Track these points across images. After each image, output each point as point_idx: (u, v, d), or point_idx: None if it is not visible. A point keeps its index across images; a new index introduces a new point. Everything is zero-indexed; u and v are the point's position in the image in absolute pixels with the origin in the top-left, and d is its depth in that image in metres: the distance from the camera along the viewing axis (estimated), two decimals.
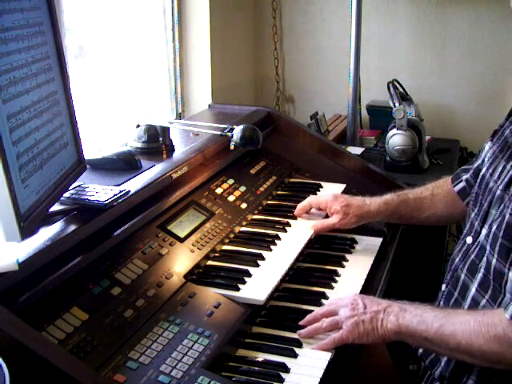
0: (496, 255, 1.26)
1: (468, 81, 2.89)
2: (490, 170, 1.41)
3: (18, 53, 1.10)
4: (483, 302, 1.29)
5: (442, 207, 1.71)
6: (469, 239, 1.41)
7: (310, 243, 1.78)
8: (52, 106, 1.24)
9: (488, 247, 1.30)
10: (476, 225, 1.40)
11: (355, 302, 1.32)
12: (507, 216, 1.25)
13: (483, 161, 1.54)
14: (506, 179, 1.32)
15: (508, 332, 1.15)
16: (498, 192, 1.33)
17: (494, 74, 2.82)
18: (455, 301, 1.38)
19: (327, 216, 1.78)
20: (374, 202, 1.73)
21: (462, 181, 1.67)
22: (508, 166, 1.34)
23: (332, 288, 1.55)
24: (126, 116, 2.27)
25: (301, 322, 1.35)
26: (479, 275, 1.32)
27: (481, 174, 1.46)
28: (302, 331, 1.33)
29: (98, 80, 2.15)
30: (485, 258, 1.31)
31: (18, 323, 0.96)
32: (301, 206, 1.81)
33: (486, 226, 1.35)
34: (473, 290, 1.33)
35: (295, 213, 1.81)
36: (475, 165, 1.61)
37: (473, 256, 1.36)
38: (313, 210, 1.82)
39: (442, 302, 1.44)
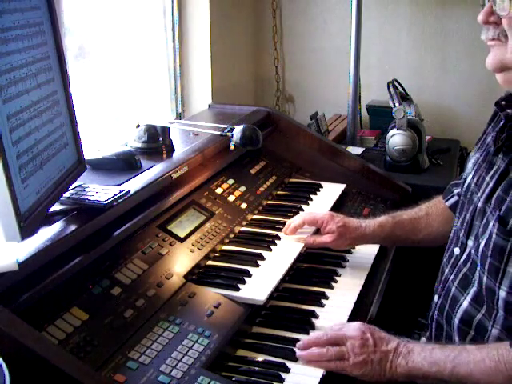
0: (486, 273, 1.24)
1: (468, 81, 2.89)
2: (475, 180, 1.39)
3: (18, 53, 1.10)
4: (479, 316, 1.27)
5: (437, 226, 1.67)
6: (456, 250, 1.39)
7: None
8: (52, 106, 1.24)
9: (479, 263, 1.28)
10: (461, 236, 1.38)
11: (365, 337, 1.26)
12: (494, 236, 1.23)
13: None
14: (487, 191, 1.30)
15: None
16: (480, 205, 1.31)
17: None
18: (446, 313, 1.37)
19: (317, 231, 1.71)
20: (369, 225, 1.67)
21: (454, 195, 1.64)
22: (487, 178, 1.32)
23: (332, 288, 1.55)
24: (126, 116, 2.27)
25: (300, 344, 1.29)
26: (473, 289, 1.30)
27: (466, 182, 1.45)
28: (302, 353, 1.27)
29: (97, 80, 2.14)
30: (477, 273, 1.29)
31: (18, 323, 0.96)
32: (294, 224, 1.70)
33: (472, 238, 1.33)
34: (465, 303, 1.31)
35: (287, 231, 1.70)
36: (464, 176, 1.57)
37: (465, 269, 1.34)
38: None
39: (435, 314, 1.43)
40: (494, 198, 1.26)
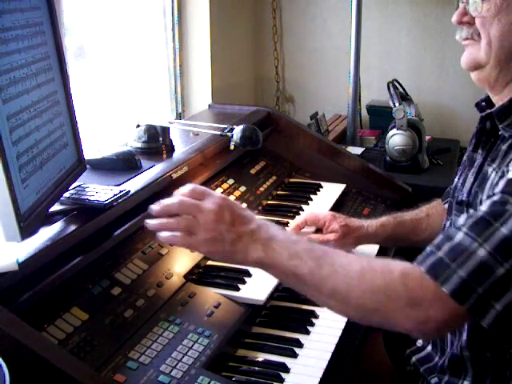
0: None
1: (468, 81, 2.85)
2: (461, 180, 1.38)
3: (17, 53, 1.10)
4: None
5: (437, 228, 1.67)
6: None
7: None
8: (52, 106, 1.24)
9: None
10: None
11: (221, 213, 1.12)
12: (453, 216, 1.24)
13: None
14: (467, 188, 1.29)
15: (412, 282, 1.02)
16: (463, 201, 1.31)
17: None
18: None
19: (317, 231, 1.70)
20: (371, 225, 1.66)
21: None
22: (469, 175, 1.31)
23: None
24: (126, 116, 2.27)
25: (152, 207, 1.16)
26: None
27: (454, 183, 1.45)
28: (151, 222, 1.16)
29: (97, 80, 2.14)
30: None
31: (17, 323, 0.96)
32: (296, 223, 1.70)
33: None
34: None
35: (289, 231, 1.66)
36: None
37: None
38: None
39: None
40: (472, 193, 1.26)
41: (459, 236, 1.02)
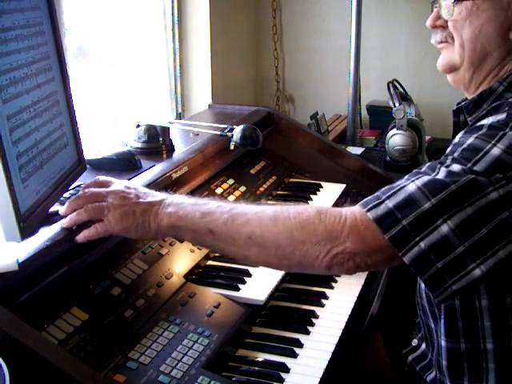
0: None
1: None
2: None
3: (17, 53, 1.10)
4: None
5: None
6: None
7: None
8: (52, 106, 1.24)
9: None
10: None
11: (127, 191, 1.16)
12: None
13: None
14: None
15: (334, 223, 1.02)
16: None
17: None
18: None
19: None
20: None
21: None
22: None
23: (332, 288, 1.55)
24: (126, 116, 2.27)
25: (62, 211, 1.20)
26: None
27: None
28: (63, 221, 1.19)
29: (97, 80, 2.15)
30: None
31: (17, 323, 0.96)
32: None
33: None
34: None
35: None
36: None
37: None
38: None
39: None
40: None
41: (397, 182, 1.06)
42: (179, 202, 1.14)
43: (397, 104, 2.34)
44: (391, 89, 2.40)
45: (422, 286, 1.28)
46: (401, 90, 2.60)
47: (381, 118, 2.86)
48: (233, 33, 2.88)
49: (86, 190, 1.20)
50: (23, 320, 0.97)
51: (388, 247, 1.01)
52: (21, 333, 0.94)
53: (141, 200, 1.15)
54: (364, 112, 2.99)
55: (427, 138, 2.59)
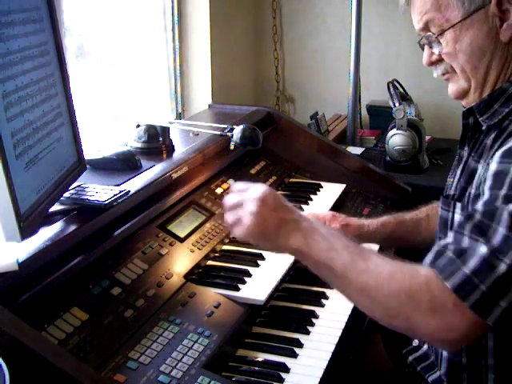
0: None
1: None
2: (452, 177, 1.39)
3: (18, 52, 1.10)
4: None
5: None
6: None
7: None
8: (52, 106, 1.24)
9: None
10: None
11: (265, 198, 1.16)
12: (440, 210, 1.27)
13: None
14: (455, 184, 1.32)
15: (430, 290, 1.02)
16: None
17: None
18: None
19: None
20: (371, 224, 1.67)
21: None
22: (458, 171, 1.33)
23: (332, 288, 1.55)
24: (126, 116, 2.27)
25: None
26: None
27: (447, 182, 1.45)
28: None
29: (97, 80, 2.14)
30: None
31: (18, 323, 0.96)
32: None
33: None
34: None
35: None
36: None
37: None
38: None
39: None
40: (458, 188, 1.28)
41: (466, 242, 1.03)
42: (311, 227, 1.16)
43: (397, 104, 2.34)
44: (391, 89, 2.40)
45: None
46: (401, 90, 2.59)
47: (381, 118, 2.85)
48: (233, 33, 2.88)
49: (229, 196, 1.23)
50: (23, 320, 0.97)
51: (484, 325, 1.00)
52: (21, 333, 0.94)
53: (276, 213, 1.17)
54: (364, 112, 2.99)
55: (427, 137, 2.59)
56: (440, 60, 1.25)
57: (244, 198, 1.18)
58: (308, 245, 1.13)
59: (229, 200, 1.20)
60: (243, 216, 1.16)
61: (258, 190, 1.19)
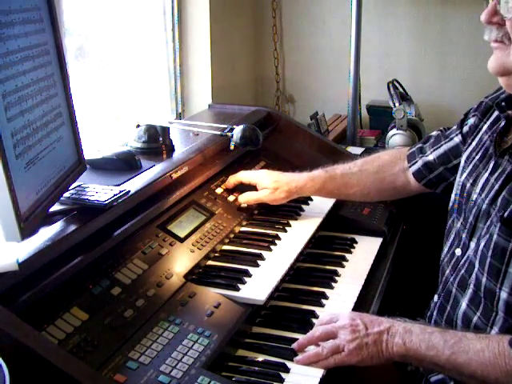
0: (486, 274, 1.24)
1: (468, 81, 2.89)
2: (471, 180, 1.37)
3: (18, 52, 1.10)
4: (475, 318, 1.27)
5: (369, 184, 1.73)
6: (458, 251, 1.38)
7: (310, 243, 1.78)
8: (52, 106, 1.24)
9: (477, 264, 1.27)
10: (464, 237, 1.37)
11: (355, 323, 1.25)
12: (495, 236, 1.22)
13: (449, 159, 1.59)
14: (492, 193, 1.28)
15: None
16: (484, 206, 1.30)
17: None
18: (448, 314, 1.37)
19: (253, 189, 1.82)
20: (301, 178, 1.76)
21: (417, 161, 1.70)
22: (492, 180, 1.30)
23: (332, 288, 1.55)
24: (126, 116, 2.27)
25: (294, 346, 1.28)
26: (469, 291, 1.30)
27: (461, 180, 1.43)
28: (299, 358, 1.25)
29: (98, 80, 2.14)
30: (474, 275, 1.28)
31: (17, 323, 0.96)
32: (232, 181, 1.82)
33: (475, 240, 1.32)
34: (463, 305, 1.31)
35: (226, 185, 1.82)
36: (430, 157, 1.65)
37: (463, 270, 1.34)
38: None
39: (434, 313, 1.42)
40: (499, 199, 1.25)
41: None
42: (404, 330, 1.22)
43: (397, 104, 2.34)
44: (391, 89, 2.40)
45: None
46: (401, 90, 2.60)
47: (381, 117, 2.86)
48: (233, 33, 2.89)
49: (319, 328, 1.30)
50: (23, 320, 0.97)
51: None
52: (21, 333, 0.94)
53: (369, 331, 1.24)
54: (364, 112, 2.99)
55: None
56: (500, 24, 1.16)
57: (335, 328, 1.26)
58: (407, 349, 1.20)
59: (318, 332, 1.27)
60: (340, 344, 1.23)
61: (343, 317, 1.28)
